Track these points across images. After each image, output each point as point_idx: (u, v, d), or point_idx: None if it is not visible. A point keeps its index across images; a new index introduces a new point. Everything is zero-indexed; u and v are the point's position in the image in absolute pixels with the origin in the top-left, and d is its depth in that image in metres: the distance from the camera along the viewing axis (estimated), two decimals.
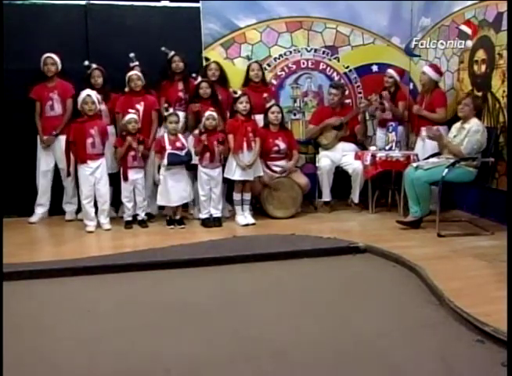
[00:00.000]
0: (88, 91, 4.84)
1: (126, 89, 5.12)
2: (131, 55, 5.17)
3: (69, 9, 5.43)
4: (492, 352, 2.57)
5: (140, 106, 5.10)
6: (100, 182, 4.88)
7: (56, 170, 5.25)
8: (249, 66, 5.54)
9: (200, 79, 5.16)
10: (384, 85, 5.78)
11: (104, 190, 4.91)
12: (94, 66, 5.10)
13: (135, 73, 5.08)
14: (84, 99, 4.79)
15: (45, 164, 5.18)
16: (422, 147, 5.33)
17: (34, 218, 5.23)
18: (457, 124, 4.80)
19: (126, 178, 4.95)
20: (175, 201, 4.95)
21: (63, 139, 5.06)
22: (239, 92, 5.10)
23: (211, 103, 5.07)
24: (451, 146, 4.70)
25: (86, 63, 5.10)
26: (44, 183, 5.21)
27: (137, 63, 5.18)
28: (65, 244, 4.62)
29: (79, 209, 5.26)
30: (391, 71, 5.79)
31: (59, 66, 5.10)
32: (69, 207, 5.35)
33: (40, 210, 5.26)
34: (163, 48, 5.21)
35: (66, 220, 5.31)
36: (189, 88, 5.31)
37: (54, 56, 5.05)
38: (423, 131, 5.30)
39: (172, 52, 5.24)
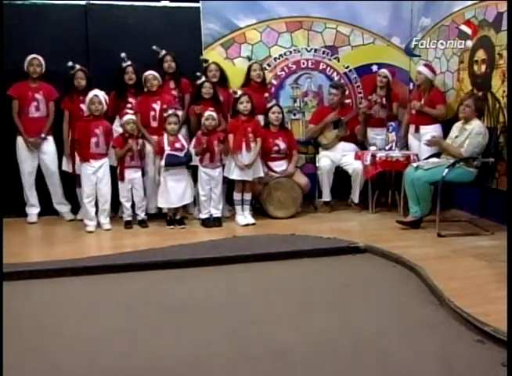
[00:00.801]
0: (95, 91, 4.85)
1: (145, 89, 5.14)
2: (123, 55, 5.16)
3: (69, 9, 5.42)
4: (492, 352, 2.57)
5: (157, 106, 5.11)
6: (102, 182, 4.88)
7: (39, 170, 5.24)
8: (250, 67, 5.54)
9: (203, 79, 5.15)
10: (378, 85, 5.78)
11: (105, 190, 4.91)
12: (78, 67, 5.10)
13: (151, 73, 5.09)
14: (92, 99, 4.81)
15: (29, 165, 5.16)
16: (418, 145, 5.34)
17: (31, 219, 5.23)
18: (458, 124, 4.79)
19: (123, 178, 4.95)
20: (174, 202, 4.95)
21: (50, 139, 5.13)
22: (240, 92, 5.10)
23: (212, 104, 5.07)
24: (451, 148, 4.70)
25: (70, 63, 5.07)
26: (30, 184, 5.20)
27: (129, 62, 5.18)
28: (65, 243, 4.61)
29: (75, 209, 5.27)
30: (385, 71, 5.78)
31: (44, 69, 5.09)
32: (63, 208, 5.35)
33: (34, 210, 5.26)
34: (154, 47, 5.20)
35: (67, 220, 5.31)
36: (181, 86, 5.32)
37: (40, 57, 5.05)
38: (422, 130, 5.30)
39: (164, 52, 5.24)
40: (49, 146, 5.16)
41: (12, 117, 5.08)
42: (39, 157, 5.18)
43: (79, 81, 5.08)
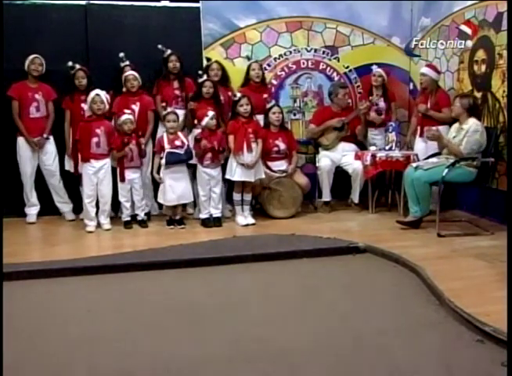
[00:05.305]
0: (97, 90, 4.85)
1: (123, 89, 5.12)
2: (121, 54, 5.17)
3: (69, 9, 5.43)
4: (492, 352, 2.57)
5: (136, 107, 5.11)
6: (103, 183, 4.89)
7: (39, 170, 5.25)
8: (249, 66, 5.53)
9: (204, 77, 5.15)
10: (373, 84, 5.77)
11: (106, 191, 4.91)
12: (77, 66, 5.10)
13: (131, 73, 5.08)
14: (93, 98, 4.81)
15: (30, 165, 5.17)
16: (424, 148, 5.28)
17: (31, 219, 5.24)
18: (456, 125, 4.79)
19: (123, 179, 4.95)
20: (173, 200, 4.95)
21: (50, 140, 5.14)
22: (239, 95, 5.09)
23: (213, 103, 5.06)
24: (451, 146, 4.69)
25: (70, 63, 5.07)
26: (31, 184, 5.21)
27: (127, 62, 5.19)
28: (65, 243, 4.62)
29: (78, 209, 5.27)
30: (380, 70, 5.77)
31: (44, 69, 5.09)
32: (65, 207, 5.35)
33: (33, 210, 5.27)
34: (159, 46, 5.21)
35: (68, 220, 5.31)
36: (184, 86, 5.32)
37: (41, 57, 5.05)
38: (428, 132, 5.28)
39: (169, 51, 5.24)
40: (49, 146, 5.17)
41: (13, 117, 5.08)
42: (39, 158, 5.19)
43: (80, 81, 5.09)
